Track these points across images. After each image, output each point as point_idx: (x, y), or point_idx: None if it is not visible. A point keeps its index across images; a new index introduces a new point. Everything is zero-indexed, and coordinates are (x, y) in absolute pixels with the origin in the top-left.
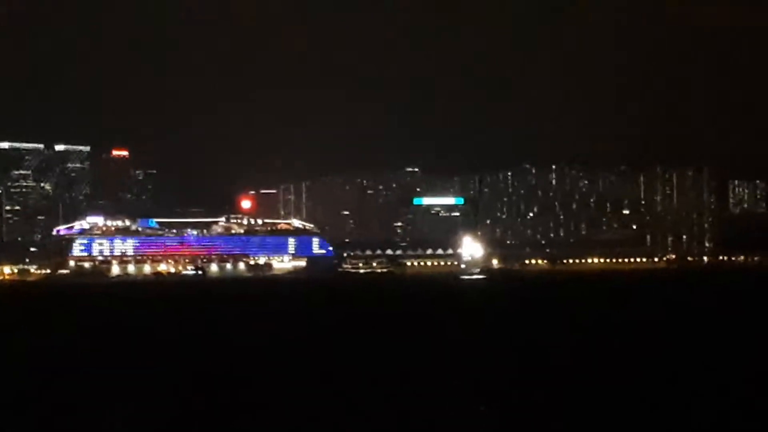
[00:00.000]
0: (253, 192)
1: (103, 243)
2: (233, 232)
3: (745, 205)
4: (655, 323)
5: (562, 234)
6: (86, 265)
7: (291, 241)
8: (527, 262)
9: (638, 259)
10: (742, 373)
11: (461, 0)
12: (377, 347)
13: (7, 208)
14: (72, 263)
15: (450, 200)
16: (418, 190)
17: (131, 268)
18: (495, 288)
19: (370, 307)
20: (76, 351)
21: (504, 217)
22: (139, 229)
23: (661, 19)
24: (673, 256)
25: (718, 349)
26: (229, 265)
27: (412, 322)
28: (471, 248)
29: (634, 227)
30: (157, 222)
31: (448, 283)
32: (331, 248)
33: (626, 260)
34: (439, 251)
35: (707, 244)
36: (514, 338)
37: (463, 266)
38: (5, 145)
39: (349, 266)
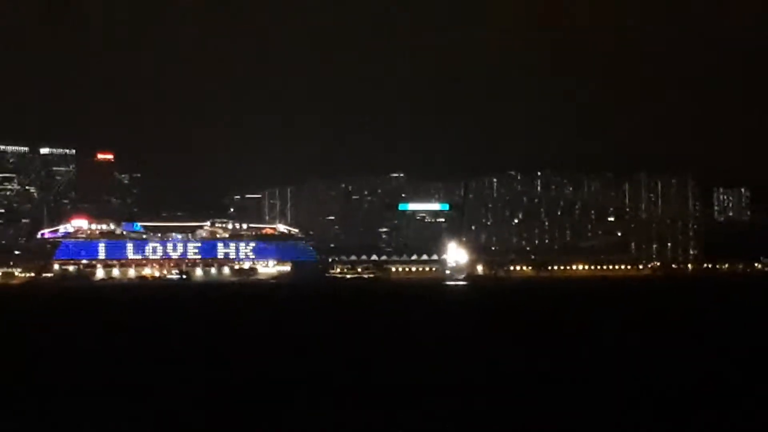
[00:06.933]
0: (238, 196)
1: (87, 247)
2: (218, 236)
3: (730, 213)
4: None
5: (547, 241)
6: (71, 268)
7: (276, 245)
8: (512, 268)
9: (623, 267)
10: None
11: (449, 4)
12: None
13: None
14: (56, 267)
15: (435, 206)
16: (403, 195)
17: (116, 272)
18: (472, 294)
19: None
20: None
21: (489, 223)
22: (124, 232)
23: (645, 24)
24: (658, 264)
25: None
26: (213, 270)
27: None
28: (456, 254)
29: (619, 234)
30: (142, 226)
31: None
32: (315, 253)
33: (611, 267)
34: (424, 257)
35: (692, 252)
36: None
37: (447, 272)
38: None
39: (337, 272)
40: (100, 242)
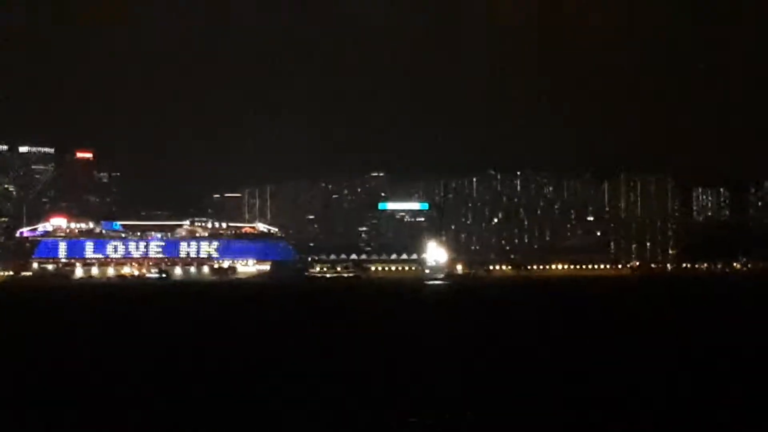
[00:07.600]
0: (217, 195)
1: (66, 245)
2: (198, 235)
3: (709, 213)
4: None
5: (526, 240)
6: (49, 267)
7: (255, 244)
8: (492, 267)
9: (602, 266)
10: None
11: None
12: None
13: None
14: (35, 265)
15: (415, 205)
16: (383, 194)
17: (95, 271)
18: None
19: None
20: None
21: (468, 222)
22: (103, 231)
23: (631, 25)
24: (637, 263)
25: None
26: (193, 269)
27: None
28: (435, 253)
29: (599, 234)
30: (121, 225)
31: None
32: (295, 252)
33: (590, 267)
34: (404, 256)
35: (671, 252)
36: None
37: (427, 271)
38: None
39: (317, 271)
40: (79, 241)
